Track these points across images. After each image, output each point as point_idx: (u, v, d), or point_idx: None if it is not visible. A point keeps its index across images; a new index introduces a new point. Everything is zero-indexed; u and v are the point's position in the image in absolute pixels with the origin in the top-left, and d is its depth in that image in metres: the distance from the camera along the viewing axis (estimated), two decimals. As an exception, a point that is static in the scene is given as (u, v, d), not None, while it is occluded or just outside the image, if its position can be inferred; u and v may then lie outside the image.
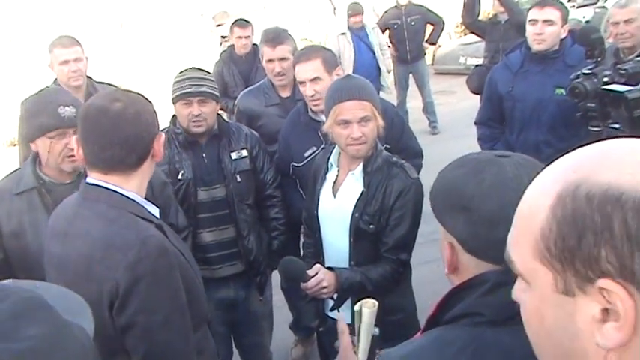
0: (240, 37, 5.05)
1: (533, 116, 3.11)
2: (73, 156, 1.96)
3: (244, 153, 2.59)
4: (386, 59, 6.58)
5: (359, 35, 6.36)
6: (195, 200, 2.51)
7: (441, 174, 1.11)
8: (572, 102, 2.82)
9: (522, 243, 0.63)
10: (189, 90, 2.43)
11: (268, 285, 2.87)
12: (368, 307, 1.36)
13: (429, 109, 7.44)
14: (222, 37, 6.22)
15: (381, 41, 6.62)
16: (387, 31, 7.11)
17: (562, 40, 3.07)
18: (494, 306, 0.93)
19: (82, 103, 1.97)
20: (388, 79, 6.52)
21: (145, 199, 1.59)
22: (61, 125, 1.96)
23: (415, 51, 7.05)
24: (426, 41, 7.22)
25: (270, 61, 2.98)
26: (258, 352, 2.89)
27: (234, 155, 2.56)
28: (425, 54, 7.40)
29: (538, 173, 0.66)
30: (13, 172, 2.16)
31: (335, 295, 2.08)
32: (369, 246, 2.10)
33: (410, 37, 6.98)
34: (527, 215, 0.63)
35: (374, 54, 6.34)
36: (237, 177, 2.55)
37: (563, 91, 2.97)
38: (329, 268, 2.06)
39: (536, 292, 0.63)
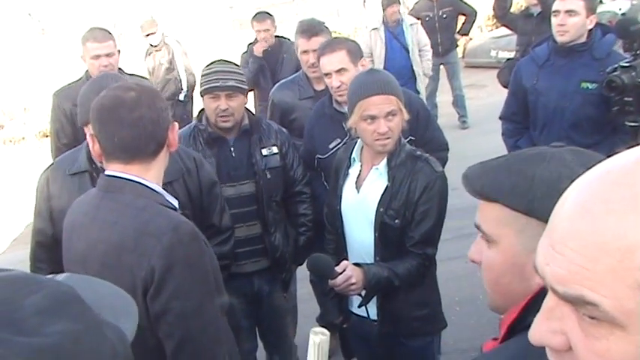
0: (259, 31, 4.93)
1: (556, 111, 3.00)
2: None
3: (275, 149, 2.57)
4: (425, 61, 5.84)
5: (394, 32, 5.74)
6: None
7: (488, 162, 1.06)
8: (598, 97, 2.72)
9: (612, 281, 0.54)
10: (216, 84, 2.42)
11: (293, 280, 2.86)
12: (323, 335, 1.38)
13: (459, 103, 7.34)
14: (153, 45, 6.13)
15: (420, 40, 5.87)
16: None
17: (590, 31, 2.93)
18: None
19: None
20: (424, 85, 5.86)
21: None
22: None
23: (447, 43, 6.94)
24: (458, 32, 7.11)
25: (304, 52, 2.97)
26: (282, 346, 2.89)
27: (264, 151, 2.54)
28: (457, 46, 7.28)
29: (593, 164, 0.60)
30: (71, 151, 2.19)
31: (363, 292, 2.06)
32: (394, 241, 2.07)
33: (442, 29, 6.87)
34: (623, 247, 0.53)
35: (408, 53, 5.70)
36: (267, 173, 2.53)
37: (589, 85, 2.87)
38: (356, 264, 2.04)
39: (636, 336, 0.54)
